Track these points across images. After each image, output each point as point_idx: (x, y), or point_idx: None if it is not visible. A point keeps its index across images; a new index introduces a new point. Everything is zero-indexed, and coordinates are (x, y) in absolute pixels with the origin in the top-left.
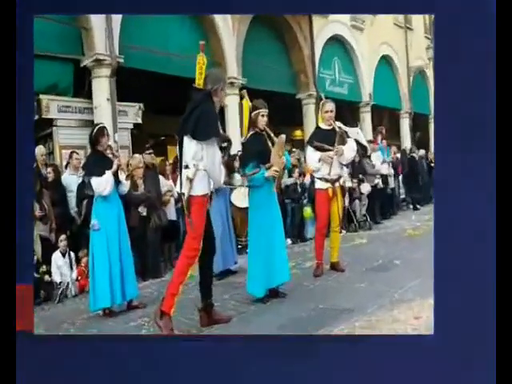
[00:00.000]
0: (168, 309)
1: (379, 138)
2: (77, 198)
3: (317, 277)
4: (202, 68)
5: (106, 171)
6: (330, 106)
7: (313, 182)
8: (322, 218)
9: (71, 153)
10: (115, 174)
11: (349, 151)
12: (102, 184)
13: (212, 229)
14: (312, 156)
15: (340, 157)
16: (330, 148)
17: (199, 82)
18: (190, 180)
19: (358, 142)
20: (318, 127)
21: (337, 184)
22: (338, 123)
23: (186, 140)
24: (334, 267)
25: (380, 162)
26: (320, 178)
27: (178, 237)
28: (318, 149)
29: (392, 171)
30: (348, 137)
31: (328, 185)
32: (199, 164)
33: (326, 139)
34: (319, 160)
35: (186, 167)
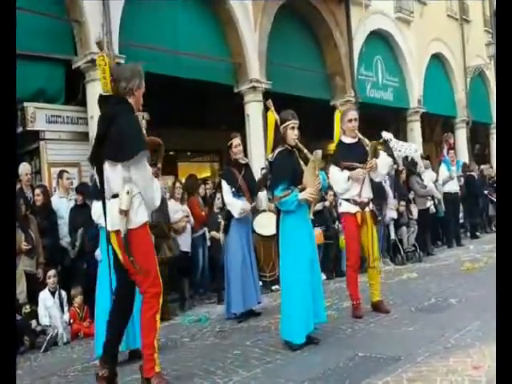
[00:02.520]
0: (151, 372)
1: (446, 148)
2: (70, 225)
3: (356, 318)
4: (104, 70)
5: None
6: (354, 113)
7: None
8: (353, 251)
9: (61, 172)
10: None
11: (383, 165)
12: (97, 212)
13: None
14: (339, 176)
15: (373, 172)
16: (359, 166)
17: (106, 88)
18: (125, 212)
19: (405, 158)
20: (340, 142)
21: (367, 209)
22: (388, 135)
23: (108, 165)
24: (377, 308)
25: (444, 177)
26: (348, 200)
27: (193, 271)
28: (346, 168)
29: (457, 188)
30: (388, 149)
31: (357, 208)
32: (133, 188)
33: (351, 155)
34: (348, 179)
35: (115, 197)
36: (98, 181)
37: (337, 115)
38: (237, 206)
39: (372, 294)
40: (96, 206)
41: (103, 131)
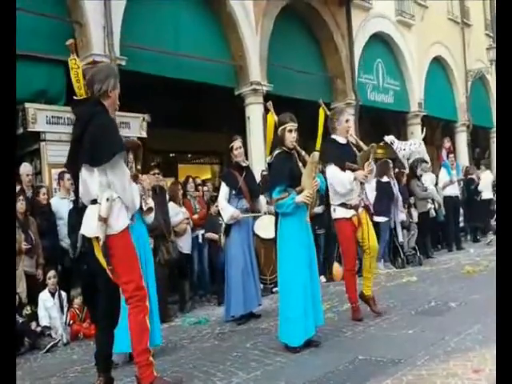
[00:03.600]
0: (151, 377)
1: (444, 152)
2: (69, 227)
3: (356, 321)
4: (77, 74)
5: None
6: (349, 114)
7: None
8: (351, 256)
9: (62, 173)
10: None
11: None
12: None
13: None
14: (344, 176)
15: (370, 174)
16: (357, 167)
17: (80, 92)
18: (105, 219)
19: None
20: (332, 140)
21: (360, 209)
22: (390, 138)
23: (84, 171)
24: (367, 302)
25: (444, 181)
26: (343, 204)
27: (192, 273)
28: (346, 169)
29: (457, 192)
30: (392, 152)
31: (352, 212)
32: (112, 193)
33: (346, 156)
34: (354, 180)
35: (94, 202)
36: (73, 186)
37: (321, 112)
38: (227, 212)
39: (366, 287)
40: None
41: (78, 135)
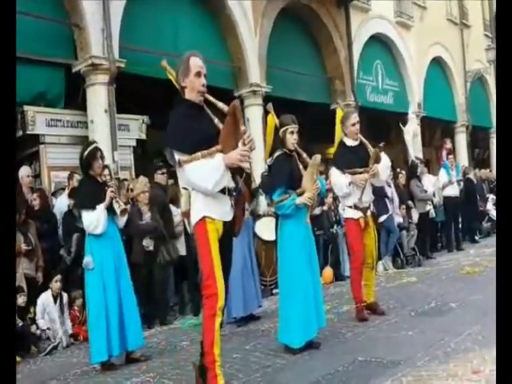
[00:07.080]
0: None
1: (444, 153)
2: (63, 231)
3: (362, 321)
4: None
5: (97, 206)
6: (356, 116)
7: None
8: (358, 254)
9: (71, 173)
10: (110, 207)
11: (384, 170)
12: (93, 222)
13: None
14: (340, 179)
15: (374, 178)
16: (360, 170)
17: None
18: (185, 213)
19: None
20: (342, 144)
21: (368, 212)
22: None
23: None
24: (372, 309)
25: (443, 182)
26: (350, 206)
27: (191, 275)
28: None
29: (457, 192)
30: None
31: (360, 214)
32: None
33: (354, 158)
34: (349, 184)
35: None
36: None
37: (339, 113)
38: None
39: (367, 295)
40: (91, 217)
41: None
